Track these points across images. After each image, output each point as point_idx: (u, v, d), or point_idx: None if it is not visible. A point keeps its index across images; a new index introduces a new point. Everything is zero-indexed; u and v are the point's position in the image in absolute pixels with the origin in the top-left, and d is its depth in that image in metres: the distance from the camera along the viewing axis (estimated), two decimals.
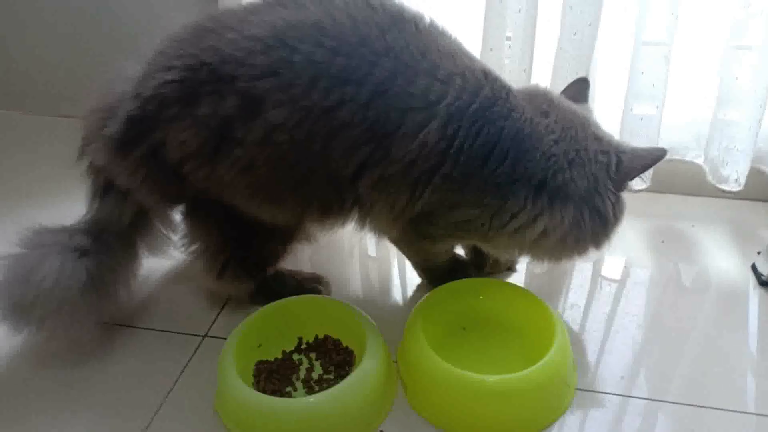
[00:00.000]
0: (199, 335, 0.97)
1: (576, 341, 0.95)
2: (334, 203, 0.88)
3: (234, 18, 0.85)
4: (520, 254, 0.95)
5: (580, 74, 1.07)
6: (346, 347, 0.90)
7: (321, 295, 0.96)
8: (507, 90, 0.85)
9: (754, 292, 1.04)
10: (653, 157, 0.89)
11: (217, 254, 0.95)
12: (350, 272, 1.11)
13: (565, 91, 0.98)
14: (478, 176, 0.83)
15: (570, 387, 0.86)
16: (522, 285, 1.00)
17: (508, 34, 1.13)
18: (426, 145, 0.81)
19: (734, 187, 1.19)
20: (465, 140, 0.81)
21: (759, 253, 1.09)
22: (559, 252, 0.91)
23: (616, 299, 1.04)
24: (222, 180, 0.85)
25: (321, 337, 0.92)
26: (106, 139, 0.87)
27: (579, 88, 0.98)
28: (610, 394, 0.86)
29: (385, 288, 1.08)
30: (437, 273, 1.01)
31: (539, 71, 1.17)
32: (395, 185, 0.84)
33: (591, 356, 0.93)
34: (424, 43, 0.83)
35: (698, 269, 1.11)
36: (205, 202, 0.90)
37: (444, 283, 0.95)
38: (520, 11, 1.10)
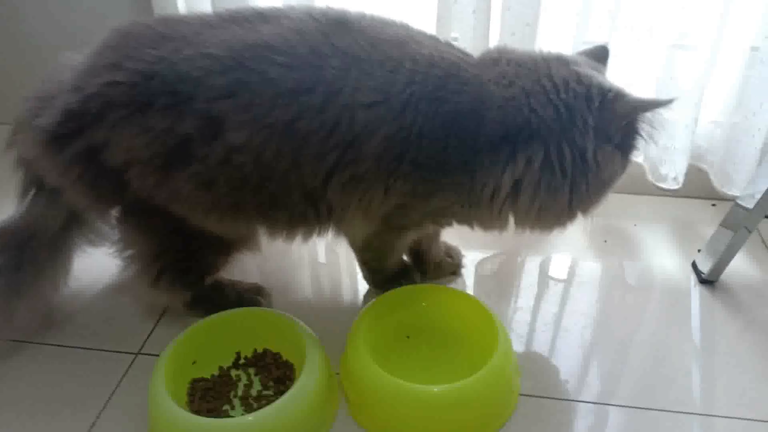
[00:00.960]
0: (131, 353, 0.92)
1: (524, 344, 0.94)
2: (305, 214, 0.86)
3: (189, 28, 0.82)
4: (505, 227, 0.87)
5: None
6: (286, 361, 0.87)
7: (260, 307, 0.92)
8: (458, 65, 0.81)
9: (695, 289, 1.05)
10: (651, 102, 0.80)
11: (152, 261, 0.91)
12: (298, 280, 1.08)
13: (586, 54, 0.91)
14: (444, 157, 0.80)
15: (514, 393, 0.85)
16: (470, 288, 0.99)
17: (454, 35, 1.12)
18: (388, 137, 0.79)
19: (673, 185, 1.21)
20: (424, 124, 0.79)
21: (699, 251, 1.10)
22: (541, 213, 0.83)
23: (563, 300, 1.03)
24: (175, 192, 0.82)
25: (260, 351, 0.88)
26: (38, 131, 0.81)
27: (599, 53, 0.91)
28: (556, 399, 0.85)
29: (334, 297, 1.05)
30: (385, 276, 1.00)
31: None
32: (367, 182, 0.82)
33: (539, 360, 0.92)
34: (370, 36, 0.81)
35: (641, 267, 1.11)
36: (144, 207, 0.85)
37: (389, 287, 0.93)
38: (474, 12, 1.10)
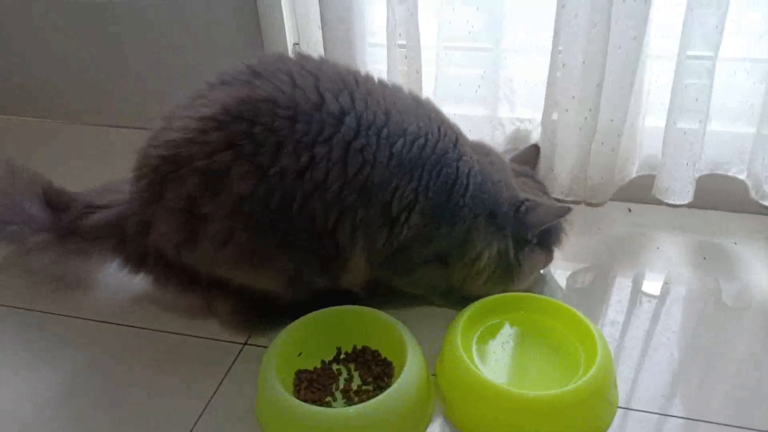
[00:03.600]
0: (239, 343, 0.98)
1: (615, 358, 0.94)
2: (323, 256, 0.92)
3: (180, 109, 0.90)
4: (476, 286, 0.98)
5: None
6: (385, 359, 0.91)
7: (360, 306, 0.97)
8: (454, 139, 0.95)
9: None
10: (556, 212, 0.97)
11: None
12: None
13: (517, 157, 1.12)
14: (445, 209, 0.92)
15: (612, 405, 0.85)
16: (561, 300, 0.99)
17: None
18: (399, 188, 0.90)
19: None
20: (429, 180, 0.91)
21: None
22: (488, 282, 0.97)
23: (656, 316, 1.03)
24: (206, 257, 0.90)
25: (360, 348, 0.93)
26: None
27: (530, 154, 1.13)
28: (649, 412, 0.86)
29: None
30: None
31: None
32: (375, 227, 0.90)
33: (629, 373, 0.92)
34: (382, 100, 0.91)
35: (740, 287, 1.09)
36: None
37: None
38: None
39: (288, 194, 0.86)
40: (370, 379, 0.88)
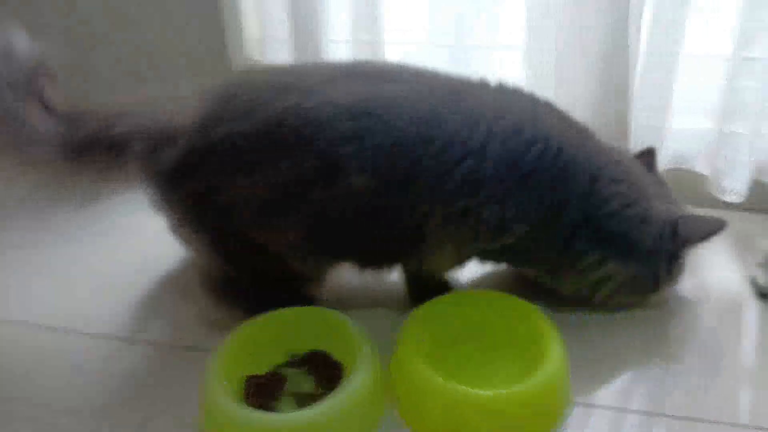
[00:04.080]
0: (184, 346, 0.95)
1: (573, 352, 0.93)
2: (399, 248, 0.91)
3: (310, 80, 0.87)
4: (578, 291, 0.96)
5: None
6: (336, 361, 0.88)
7: (312, 307, 0.94)
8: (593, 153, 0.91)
9: (752, 304, 1.02)
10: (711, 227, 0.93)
11: (220, 281, 0.96)
12: (348, 279, 1.06)
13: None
14: (555, 233, 0.89)
15: (567, 400, 0.84)
16: (516, 296, 0.98)
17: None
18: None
19: (735, 199, 1.18)
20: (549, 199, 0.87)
21: (759, 265, 1.07)
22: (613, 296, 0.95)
23: (614, 309, 1.01)
24: (279, 231, 0.87)
25: (311, 350, 0.90)
26: (154, 164, 0.88)
27: (649, 159, 1.02)
28: (606, 408, 0.85)
29: (383, 297, 1.05)
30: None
31: None
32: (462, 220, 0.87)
33: (588, 367, 0.91)
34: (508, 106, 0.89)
35: (697, 281, 1.08)
36: (236, 237, 0.90)
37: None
38: None
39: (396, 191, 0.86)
40: (321, 383, 0.86)
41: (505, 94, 0.92)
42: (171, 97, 0.97)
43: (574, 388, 0.86)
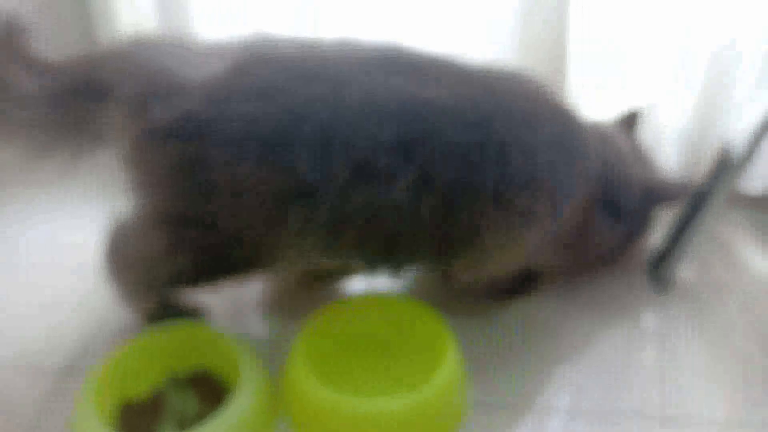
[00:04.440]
0: (59, 367, 0.87)
1: (472, 355, 0.89)
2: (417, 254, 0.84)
3: (337, 68, 0.78)
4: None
5: None
6: (222, 380, 0.83)
7: (194, 322, 0.88)
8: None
9: (647, 294, 1.02)
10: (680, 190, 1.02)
11: (165, 264, 0.84)
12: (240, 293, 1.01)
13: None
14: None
15: (464, 403, 0.82)
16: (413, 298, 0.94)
17: None
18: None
19: None
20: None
21: (652, 253, 1.06)
22: None
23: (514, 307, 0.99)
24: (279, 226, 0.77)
25: (195, 370, 0.84)
26: (141, 117, 0.76)
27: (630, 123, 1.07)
28: (504, 408, 0.83)
29: (283, 307, 1.00)
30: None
31: None
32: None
33: (487, 369, 0.88)
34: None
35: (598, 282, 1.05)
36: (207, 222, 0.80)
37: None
38: None
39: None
40: (205, 403, 0.80)
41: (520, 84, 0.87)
42: None
43: (478, 389, 0.84)
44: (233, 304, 0.98)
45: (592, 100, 1.12)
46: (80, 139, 0.82)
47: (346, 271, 0.97)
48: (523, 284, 0.99)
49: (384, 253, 0.82)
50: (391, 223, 0.78)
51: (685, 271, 1.03)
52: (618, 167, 0.94)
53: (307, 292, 0.98)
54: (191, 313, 0.90)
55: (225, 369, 0.83)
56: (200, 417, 0.77)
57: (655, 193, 0.98)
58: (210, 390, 0.82)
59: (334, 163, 0.74)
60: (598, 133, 0.94)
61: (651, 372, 0.88)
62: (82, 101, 0.80)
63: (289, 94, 0.75)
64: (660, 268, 1.02)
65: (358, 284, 1.00)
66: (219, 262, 0.84)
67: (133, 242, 0.85)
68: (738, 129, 0.99)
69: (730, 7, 1.00)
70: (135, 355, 0.81)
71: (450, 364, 0.78)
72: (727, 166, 0.95)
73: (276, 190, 0.75)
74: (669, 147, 1.14)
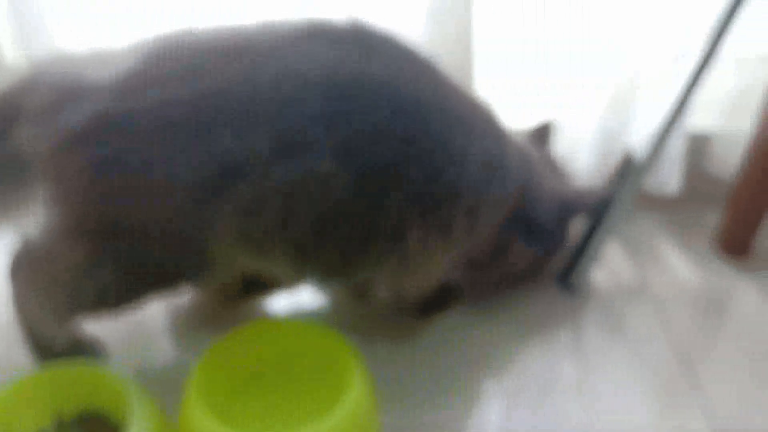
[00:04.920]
0: None
1: (387, 377, 0.87)
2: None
3: (263, 44, 0.74)
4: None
5: None
6: (111, 422, 0.77)
7: (82, 361, 0.82)
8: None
9: (561, 299, 1.01)
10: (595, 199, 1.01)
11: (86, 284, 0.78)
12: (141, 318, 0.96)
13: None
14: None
15: (375, 426, 0.79)
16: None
17: None
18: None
19: None
20: None
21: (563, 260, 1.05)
22: None
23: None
24: (213, 217, 0.73)
25: (83, 411, 0.79)
26: (51, 126, 0.71)
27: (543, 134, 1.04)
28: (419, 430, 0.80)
29: (185, 335, 0.95)
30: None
31: None
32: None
33: (402, 389, 0.86)
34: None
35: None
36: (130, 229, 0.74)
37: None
38: None
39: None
40: None
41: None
42: None
43: (393, 413, 0.81)
44: (135, 330, 0.93)
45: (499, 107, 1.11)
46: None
47: (266, 286, 0.93)
48: (438, 302, 0.96)
49: (310, 248, 0.77)
50: (315, 205, 0.74)
51: (598, 278, 1.03)
52: (536, 184, 0.93)
53: (218, 314, 0.94)
54: (89, 349, 0.85)
55: (114, 408, 0.77)
56: None
57: (572, 205, 0.96)
58: (99, 431, 0.76)
59: (257, 138, 0.71)
60: (517, 146, 0.91)
61: (570, 385, 0.86)
62: None
63: (205, 74, 0.71)
64: (569, 275, 1.01)
65: (276, 303, 0.97)
66: (145, 274, 0.79)
67: (49, 262, 0.78)
68: (642, 133, 0.99)
69: (633, 17, 1.01)
70: (18, 395, 0.75)
71: (355, 391, 0.74)
72: (630, 169, 0.95)
73: (199, 176, 0.71)
74: (581, 156, 1.14)
